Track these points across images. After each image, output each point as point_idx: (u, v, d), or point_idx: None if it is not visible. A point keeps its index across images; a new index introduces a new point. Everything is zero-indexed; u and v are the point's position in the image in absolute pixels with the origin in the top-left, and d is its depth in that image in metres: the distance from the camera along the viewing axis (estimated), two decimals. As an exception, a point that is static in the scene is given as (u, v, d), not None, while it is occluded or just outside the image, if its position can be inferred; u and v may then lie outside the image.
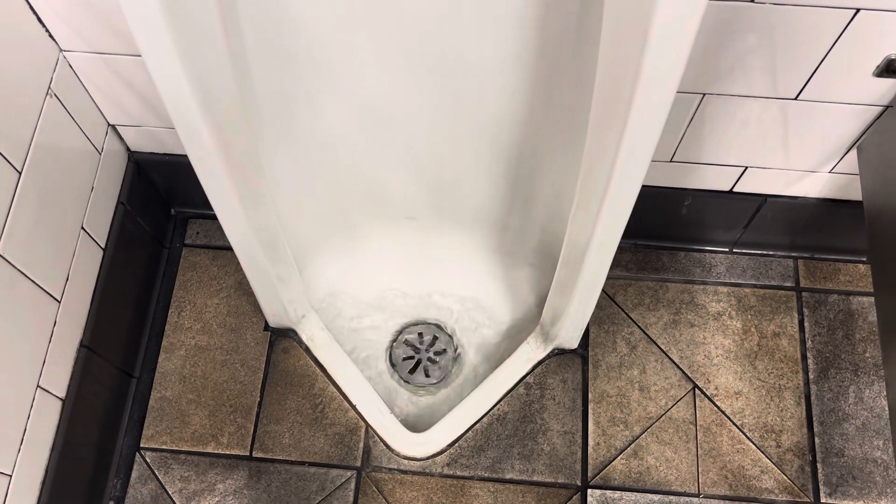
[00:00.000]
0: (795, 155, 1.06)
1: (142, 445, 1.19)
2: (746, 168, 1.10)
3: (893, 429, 0.89)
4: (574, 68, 0.88)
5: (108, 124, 1.12)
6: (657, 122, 0.71)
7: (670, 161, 1.09)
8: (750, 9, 0.82)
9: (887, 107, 0.94)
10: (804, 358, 1.25)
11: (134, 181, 1.20)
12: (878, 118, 0.97)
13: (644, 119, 0.71)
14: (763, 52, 0.88)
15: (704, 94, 0.95)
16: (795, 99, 0.95)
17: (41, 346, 1.00)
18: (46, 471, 1.02)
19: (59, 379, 1.04)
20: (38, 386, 0.99)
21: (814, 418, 1.22)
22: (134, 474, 1.18)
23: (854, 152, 1.04)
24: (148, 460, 1.18)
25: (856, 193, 1.09)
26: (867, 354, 1.25)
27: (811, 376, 1.24)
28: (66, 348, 1.06)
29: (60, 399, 1.05)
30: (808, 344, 1.26)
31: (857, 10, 0.81)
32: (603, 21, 0.70)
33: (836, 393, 1.23)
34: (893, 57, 0.86)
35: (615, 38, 0.70)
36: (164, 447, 1.19)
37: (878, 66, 0.88)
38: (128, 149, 1.18)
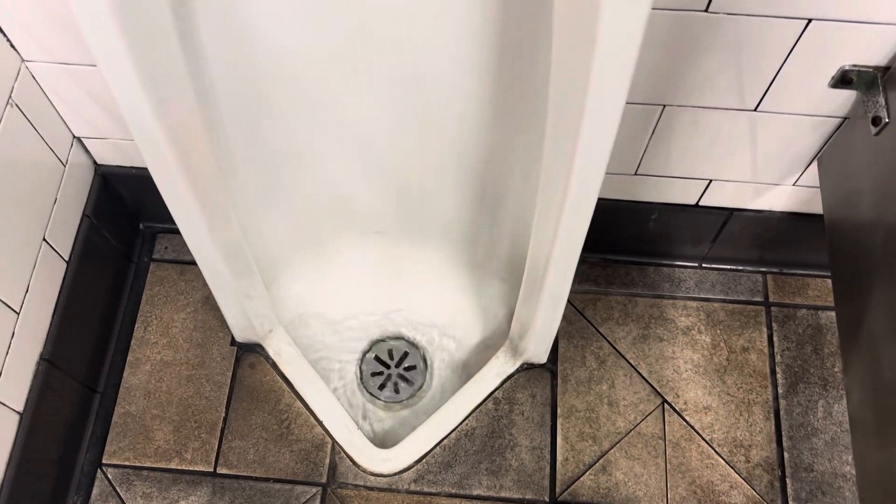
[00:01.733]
0: (758, 167, 1.07)
1: (104, 461, 1.17)
2: (711, 181, 1.11)
3: (854, 437, 0.88)
4: (535, 81, 0.88)
5: (74, 136, 1.12)
6: (609, 128, 0.72)
7: (635, 174, 1.10)
8: (705, 19, 0.83)
9: (844, 118, 0.95)
10: (773, 373, 1.25)
11: (100, 194, 1.19)
12: (836, 130, 0.97)
13: (596, 126, 0.71)
14: (720, 63, 0.89)
15: (665, 106, 0.96)
16: (755, 110, 0.96)
17: (-2, 357, 0.99)
18: (2, 486, 1.00)
19: (16, 392, 1.03)
20: (-7, 399, 0.98)
21: (783, 433, 1.21)
22: (95, 491, 1.16)
23: (815, 165, 1.04)
24: (110, 476, 1.17)
25: (819, 207, 1.10)
26: (836, 369, 1.25)
27: (780, 391, 1.24)
28: (25, 361, 1.04)
29: (18, 413, 1.03)
30: (777, 359, 1.26)
31: (809, 21, 0.81)
32: (553, 34, 0.71)
33: (804, 408, 1.23)
34: (848, 68, 0.87)
35: (564, 48, 0.70)
36: (126, 463, 1.17)
37: (833, 77, 0.89)
38: (94, 162, 1.18)
